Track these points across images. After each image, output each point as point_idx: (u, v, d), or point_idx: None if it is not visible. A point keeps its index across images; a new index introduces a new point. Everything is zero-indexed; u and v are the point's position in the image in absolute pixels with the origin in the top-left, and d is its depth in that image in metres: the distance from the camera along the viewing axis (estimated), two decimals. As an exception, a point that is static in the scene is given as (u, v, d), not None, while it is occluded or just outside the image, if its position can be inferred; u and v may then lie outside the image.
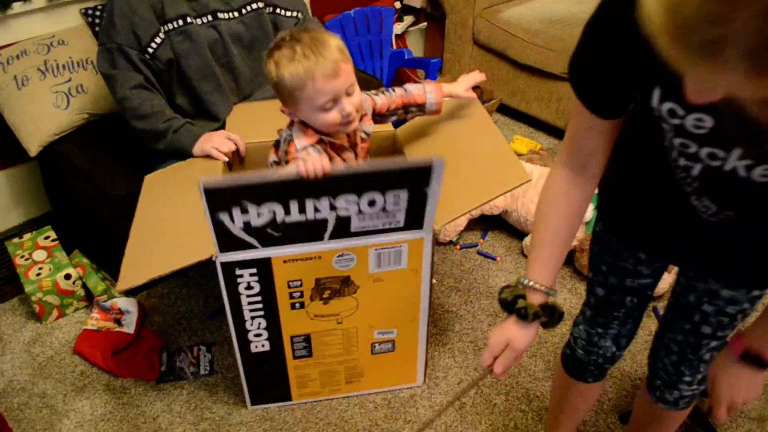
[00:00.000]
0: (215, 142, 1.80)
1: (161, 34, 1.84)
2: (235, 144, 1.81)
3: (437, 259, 2.33)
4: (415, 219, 1.48)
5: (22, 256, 2.18)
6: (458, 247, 2.40)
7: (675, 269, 1.82)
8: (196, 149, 1.82)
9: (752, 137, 0.77)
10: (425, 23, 3.53)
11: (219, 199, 1.34)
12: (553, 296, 1.08)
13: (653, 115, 0.89)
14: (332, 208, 1.40)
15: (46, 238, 2.26)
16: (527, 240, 2.31)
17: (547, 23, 2.91)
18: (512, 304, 1.06)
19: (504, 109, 3.22)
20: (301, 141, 1.47)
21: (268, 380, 1.79)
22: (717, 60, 0.53)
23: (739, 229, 1.00)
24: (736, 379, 1.04)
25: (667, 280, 2.03)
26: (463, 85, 1.73)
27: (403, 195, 1.41)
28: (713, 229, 1.01)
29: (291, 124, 1.52)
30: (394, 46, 3.24)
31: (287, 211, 1.39)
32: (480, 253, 2.37)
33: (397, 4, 3.35)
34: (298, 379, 1.79)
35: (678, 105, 0.84)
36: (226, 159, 1.79)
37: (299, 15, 2.07)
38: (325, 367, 1.78)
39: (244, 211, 1.36)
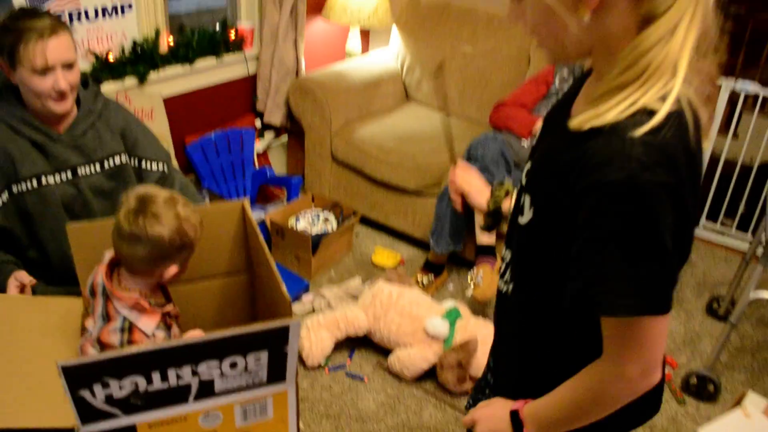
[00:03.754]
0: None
1: (3, 196, 1.79)
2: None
3: (306, 386, 2.38)
4: (277, 374, 1.55)
5: None
6: (327, 370, 2.47)
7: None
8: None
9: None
10: (285, 135, 3.67)
11: (79, 377, 1.34)
12: None
13: None
14: (194, 373, 1.45)
15: None
16: (391, 357, 2.43)
17: (398, 141, 3.15)
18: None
19: (366, 221, 3.38)
20: (147, 323, 1.50)
21: None
22: None
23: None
24: (491, 419, 1.19)
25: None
26: None
27: (264, 355, 1.48)
28: None
29: (109, 306, 1.52)
30: (257, 165, 3.35)
31: (149, 381, 1.42)
32: (348, 375, 2.45)
33: (258, 123, 3.47)
34: None
35: None
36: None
37: (164, 167, 2.06)
38: None
39: (106, 385, 1.38)
